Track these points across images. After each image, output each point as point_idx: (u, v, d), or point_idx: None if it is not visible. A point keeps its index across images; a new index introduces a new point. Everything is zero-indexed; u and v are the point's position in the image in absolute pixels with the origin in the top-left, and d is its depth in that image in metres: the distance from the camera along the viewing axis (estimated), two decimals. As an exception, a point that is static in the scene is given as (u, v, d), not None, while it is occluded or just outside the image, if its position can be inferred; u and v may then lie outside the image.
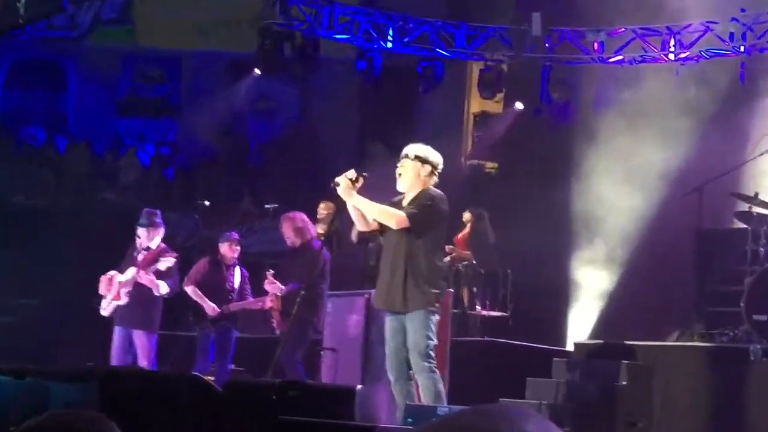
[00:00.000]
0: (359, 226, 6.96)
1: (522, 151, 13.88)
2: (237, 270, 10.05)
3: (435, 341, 6.94)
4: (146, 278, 9.23)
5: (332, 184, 6.75)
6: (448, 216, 7.02)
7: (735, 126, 10.65)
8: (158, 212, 9.73)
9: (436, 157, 6.83)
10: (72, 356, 10.40)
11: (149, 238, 9.52)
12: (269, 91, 16.84)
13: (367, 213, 6.79)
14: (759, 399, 8.05)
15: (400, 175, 6.82)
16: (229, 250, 9.98)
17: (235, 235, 10.10)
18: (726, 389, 8.28)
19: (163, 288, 9.29)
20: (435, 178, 6.83)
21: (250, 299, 10.00)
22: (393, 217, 6.76)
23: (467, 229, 12.14)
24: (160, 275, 9.29)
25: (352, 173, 6.75)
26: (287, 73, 14.10)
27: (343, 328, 10.05)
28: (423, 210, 6.74)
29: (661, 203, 10.95)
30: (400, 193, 6.92)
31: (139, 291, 9.28)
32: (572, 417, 8.79)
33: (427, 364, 6.78)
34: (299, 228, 9.41)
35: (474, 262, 11.45)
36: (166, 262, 9.24)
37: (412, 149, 6.82)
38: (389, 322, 7.01)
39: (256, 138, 17.17)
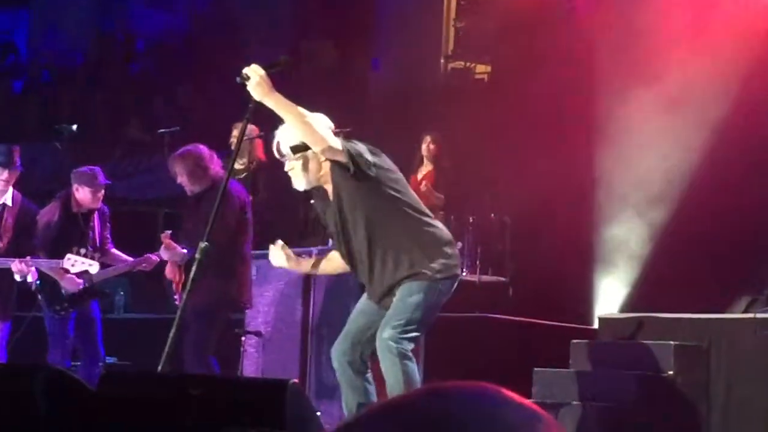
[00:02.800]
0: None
1: (526, 47, 13.86)
2: (95, 217, 9.99)
3: (422, 325, 7.05)
4: (21, 267, 9.30)
5: (238, 79, 6.81)
6: (389, 164, 7.16)
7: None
8: (17, 148, 9.75)
9: (318, 123, 6.98)
10: None
11: (5, 184, 9.57)
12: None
13: (288, 121, 6.88)
14: None
15: (295, 178, 7.12)
16: (91, 197, 9.87)
17: (102, 176, 9.97)
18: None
19: (32, 275, 9.40)
20: (334, 136, 7.01)
21: (125, 259, 9.92)
22: (322, 140, 6.86)
23: (429, 166, 12.16)
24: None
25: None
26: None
27: (274, 304, 10.10)
28: (352, 155, 6.92)
29: (726, 132, 10.97)
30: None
31: (-1, 272, 9.44)
32: (599, 421, 8.89)
33: (395, 345, 6.88)
34: (193, 170, 9.33)
35: (442, 211, 11.48)
36: (84, 267, 9.35)
37: (284, 142, 7.04)
38: (364, 300, 7.20)
39: (144, 34, 17.09)
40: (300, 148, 7.01)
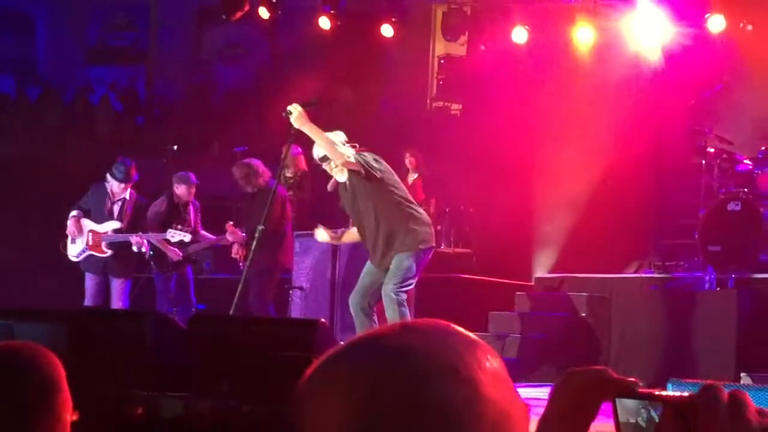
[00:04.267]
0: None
1: (486, 94, 13.79)
2: (190, 207, 9.98)
3: (412, 281, 7.05)
4: (137, 239, 9.28)
5: (284, 114, 6.78)
6: (388, 168, 7.16)
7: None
8: (134, 163, 9.71)
9: (336, 139, 6.99)
10: (43, 300, 10.37)
11: (124, 190, 9.56)
12: (237, 37, 16.67)
13: (318, 142, 6.88)
14: (712, 326, 8.13)
15: (333, 175, 7.10)
16: (186, 192, 9.87)
17: (193, 178, 9.98)
18: (681, 318, 8.36)
19: (145, 246, 9.37)
20: (349, 149, 6.98)
21: (210, 237, 9.91)
22: (342, 155, 6.87)
23: (414, 175, 11.85)
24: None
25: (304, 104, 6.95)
26: (253, 18, 13.92)
27: (312, 267, 10.07)
28: (361, 161, 6.93)
29: (619, 160, 10.97)
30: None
31: (119, 244, 9.36)
32: (534, 348, 8.87)
33: (395, 296, 6.91)
34: (247, 175, 9.31)
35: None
36: (180, 237, 9.30)
37: (319, 155, 7.04)
38: (369, 264, 7.21)
39: (223, 82, 17.02)
40: (324, 158, 7.07)
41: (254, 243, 6.74)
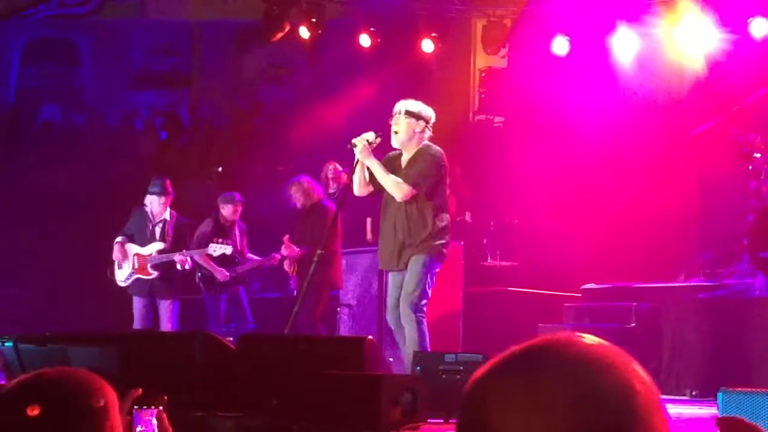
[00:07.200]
0: (357, 189, 7.16)
1: (526, 106, 13.79)
2: (236, 229, 10.09)
3: (428, 293, 6.95)
4: (180, 258, 9.40)
5: (349, 146, 6.86)
6: (447, 172, 7.12)
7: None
8: (168, 179, 9.84)
9: (428, 111, 6.96)
10: (92, 323, 10.53)
11: (163, 206, 9.65)
12: (279, 57, 16.80)
13: (378, 178, 6.90)
14: (764, 333, 8.06)
15: (396, 132, 6.94)
16: (233, 212, 9.98)
17: (239, 196, 10.10)
18: (732, 326, 8.29)
19: (188, 264, 9.47)
20: (429, 132, 6.97)
21: (257, 258, 9.98)
22: (401, 191, 6.86)
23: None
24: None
25: (371, 135, 6.89)
26: (295, 38, 14.03)
27: (359, 285, 10.11)
28: (425, 173, 6.86)
29: (664, 150, 10.90)
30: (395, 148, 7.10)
31: (164, 264, 9.47)
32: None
33: (413, 314, 6.80)
34: (306, 190, 9.42)
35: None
36: (222, 249, 9.40)
37: (404, 105, 6.96)
38: (392, 277, 7.17)
39: (265, 102, 17.17)
40: (414, 114, 6.92)
41: (313, 265, 6.81)
